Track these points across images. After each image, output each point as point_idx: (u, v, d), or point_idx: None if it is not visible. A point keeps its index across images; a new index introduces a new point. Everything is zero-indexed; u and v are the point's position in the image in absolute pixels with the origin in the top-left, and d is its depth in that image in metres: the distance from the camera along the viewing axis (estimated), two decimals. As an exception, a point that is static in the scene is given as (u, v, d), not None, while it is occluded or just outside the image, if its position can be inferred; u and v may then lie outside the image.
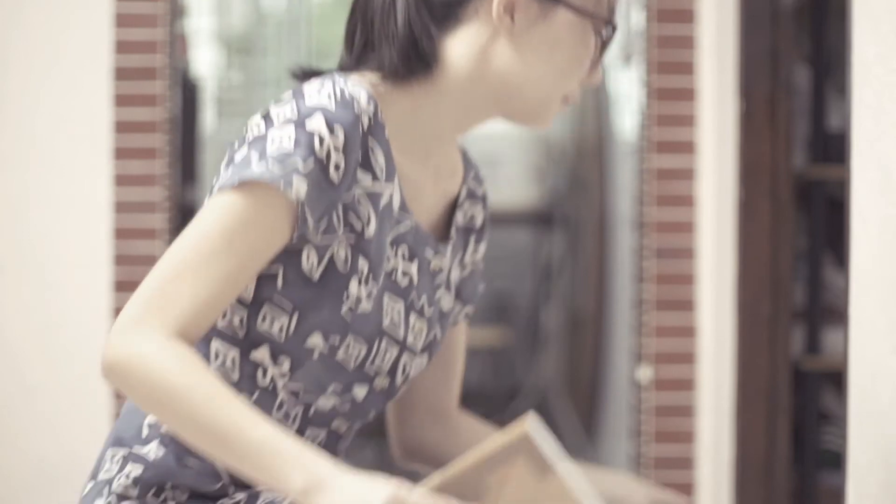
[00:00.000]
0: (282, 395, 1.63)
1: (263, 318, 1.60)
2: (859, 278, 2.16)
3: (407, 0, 1.64)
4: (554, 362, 6.08)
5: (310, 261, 1.58)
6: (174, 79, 3.75)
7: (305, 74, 1.68)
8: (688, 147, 3.71)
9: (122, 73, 3.67)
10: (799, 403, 3.69)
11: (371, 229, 1.61)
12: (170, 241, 3.72)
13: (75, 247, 3.68)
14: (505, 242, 6.46)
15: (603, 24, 1.70)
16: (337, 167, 1.55)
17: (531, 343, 6.35)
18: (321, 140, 1.54)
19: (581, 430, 5.61)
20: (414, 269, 1.68)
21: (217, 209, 1.54)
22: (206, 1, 7.24)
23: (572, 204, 5.92)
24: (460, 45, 1.65)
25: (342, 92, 1.58)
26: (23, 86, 3.66)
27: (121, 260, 3.68)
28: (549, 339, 6.22)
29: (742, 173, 3.56)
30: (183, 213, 3.98)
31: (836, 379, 3.18)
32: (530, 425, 1.44)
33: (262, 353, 1.61)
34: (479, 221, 1.84)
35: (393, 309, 1.66)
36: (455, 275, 1.80)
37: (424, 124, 1.67)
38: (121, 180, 3.69)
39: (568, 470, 1.45)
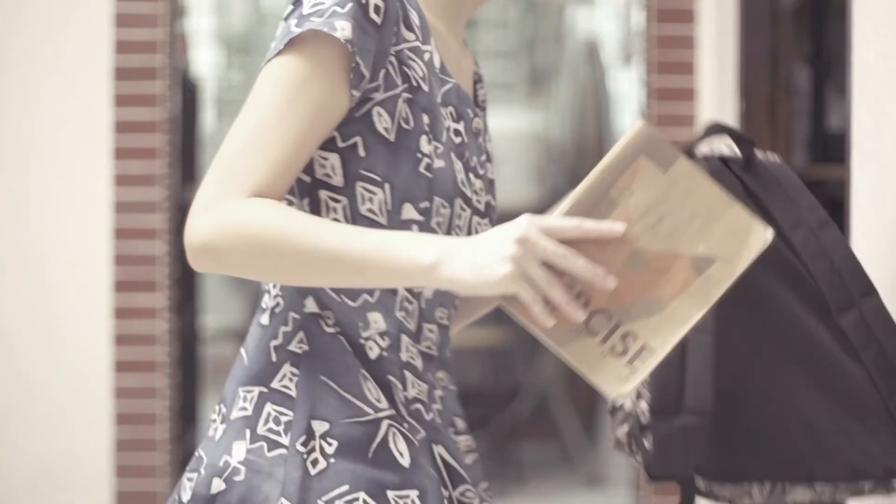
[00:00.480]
0: (400, 292, 1.62)
1: (362, 199, 1.59)
2: (859, 278, 2.15)
3: None
4: (554, 362, 6.08)
5: (382, 120, 1.58)
6: (174, 79, 3.75)
7: None
8: (688, 147, 3.72)
9: (122, 73, 3.68)
10: (799, 403, 3.69)
11: (426, 84, 1.61)
12: (170, 241, 3.72)
13: (75, 247, 3.68)
14: (505, 242, 6.45)
15: None
16: (377, 10, 1.56)
17: (531, 343, 6.35)
18: None
19: (581, 430, 5.62)
20: (462, 128, 1.68)
21: (270, 76, 1.55)
22: (206, 1, 7.25)
23: (572, 204, 5.92)
24: None
25: None
26: (23, 86, 3.66)
27: (121, 260, 3.68)
28: (549, 339, 6.20)
29: (742, 173, 3.56)
30: (183, 213, 3.98)
31: (836, 379, 3.18)
32: (643, 124, 1.47)
33: None
34: (482, 94, 1.86)
35: (458, 167, 1.67)
36: (490, 147, 1.80)
37: None
38: (121, 180, 3.69)
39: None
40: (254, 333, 1.65)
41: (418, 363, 1.63)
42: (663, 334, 1.48)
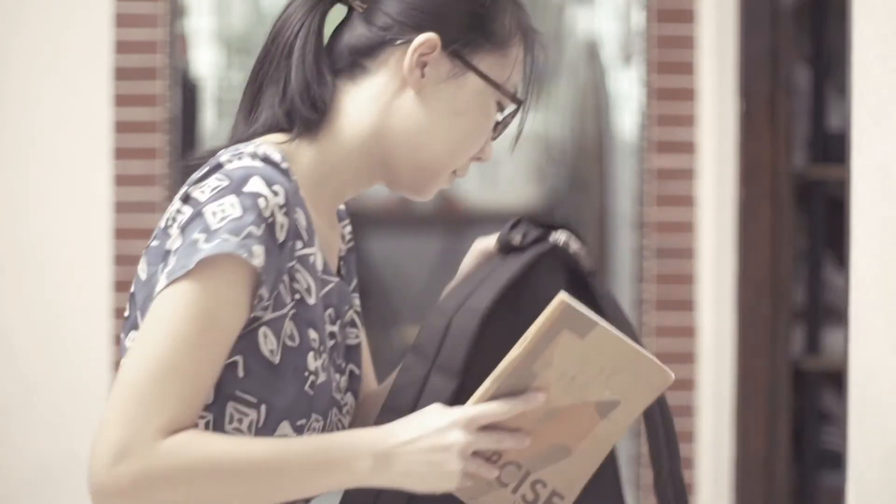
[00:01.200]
0: None
1: (231, 419, 1.52)
2: (859, 278, 2.16)
3: (304, 48, 1.61)
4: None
5: (268, 342, 1.51)
6: (174, 79, 3.75)
7: (194, 163, 1.60)
8: (688, 147, 3.71)
9: (122, 73, 3.67)
10: (799, 403, 3.69)
11: (312, 297, 1.54)
12: (170, 241, 3.71)
13: (75, 247, 3.68)
14: (505, 242, 6.44)
15: (508, 100, 1.63)
16: (282, 227, 1.49)
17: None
18: (266, 201, 1.47)
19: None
20: (337, 328, 1.62)
21: (177, 301, 1.44)
22: (206, 1, 7.24)
23: (572, 204, 5.92)
24: (363, 95, 1.61)
25: (263, 153, 1.52)
26: (23, 86, 3.66)
27: (121, 260, 3.68)
28: (549, 339, 6.20)
29: (742, 173, 3.56)
30: (183, 213, 3.98)
31: (836, 379, 3.19)
32: (564, 296, 1.47)
33: None
34: (348, 235, 1.76)
35: (332, 373, 1.60)
36: (357, 313, 1.72)
37: (329, 179, 1.61)
38: (121, 180, 3.68)
39: (606, 324, 1.50)
40: None
41: None
42: (570, 478, 1.52)
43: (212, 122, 6.80)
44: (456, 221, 6.08)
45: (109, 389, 3.92)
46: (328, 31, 1.67)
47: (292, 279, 1.52)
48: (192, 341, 1.44)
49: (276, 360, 1.52)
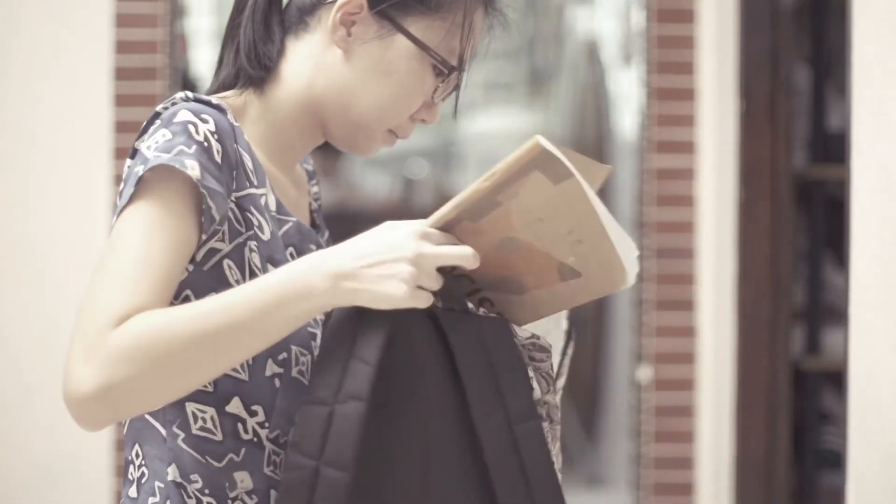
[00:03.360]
0: (268, 447, 1.58)
1: None
2: (859, 278, 2.16)
3: (254, 6, 1.65)
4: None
5: (233, 273, 1.55)
6: (174, 79, 3.75)
7: None
8: (688, 147, 3.72)
9: (122, 73, 3.67)
10: (799, 403, 3.69)
11: (266, 232, 1.58)
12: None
13: (75, 247, 3.68)
14: (505, 242, 6.44)
15: (443, 64, 1.64)
16: (218, 151, 1.53)
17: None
18: (195, 126, 1.52)
19: (581, 429, 5.62)
20: None
21: (122, 222, 1.50)
22: (206, 1, 7.24)
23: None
24: (303, 52, 1.65)
25: (194, 95, 1.59)
26: (23, 86, 3.66)
27: (121, 260, 3.68)
28: (549, 339, 6.21)
29: (742, 173, 3.56)
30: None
31: (836, 379, 3.19)
32: (541, 141, 1.44)
33: (236, 406, 1.55)
34: (315, 193, 1.82)
35: None
36: None
37: (277, 133, 1.65)
38: (121, 180, 3.68)
39: (583, 182, 1.46)
40: None
41: None
42: (516, 313, 1.52)
43: (212, 122, 6.78)
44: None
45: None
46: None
47: (244, 209, 1.55)
48: (133, 243, 1.47)
49: None
